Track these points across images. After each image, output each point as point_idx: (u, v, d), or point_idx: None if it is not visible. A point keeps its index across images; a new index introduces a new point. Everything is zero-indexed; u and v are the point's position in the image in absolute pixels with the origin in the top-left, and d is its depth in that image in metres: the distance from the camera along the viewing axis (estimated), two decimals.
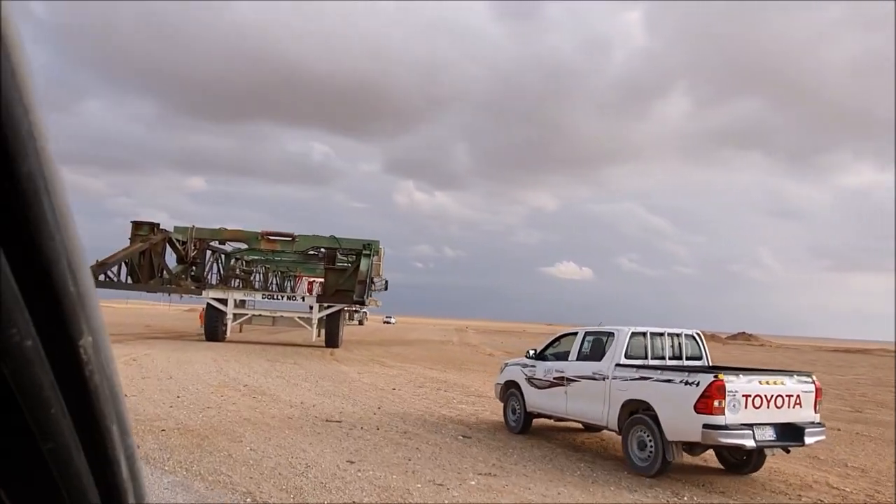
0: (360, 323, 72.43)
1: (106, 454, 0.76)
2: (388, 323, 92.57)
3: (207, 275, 35.10)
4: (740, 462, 8.97)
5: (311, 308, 33.99)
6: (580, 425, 11.22)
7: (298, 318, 34.02)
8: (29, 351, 0.64)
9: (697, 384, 7.87)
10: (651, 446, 8.38)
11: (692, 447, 8.45)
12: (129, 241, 30.24)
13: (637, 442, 8.62)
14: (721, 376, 7.79)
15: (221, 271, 37.57)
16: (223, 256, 37.75)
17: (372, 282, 31.48)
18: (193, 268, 33.62)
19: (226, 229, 33.60)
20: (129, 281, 29.49)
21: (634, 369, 8.98)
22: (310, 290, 54.91)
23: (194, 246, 32.92)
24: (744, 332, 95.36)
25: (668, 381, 8.27)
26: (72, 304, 0.67)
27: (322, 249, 34.81)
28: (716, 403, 7.70)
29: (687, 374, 8.12)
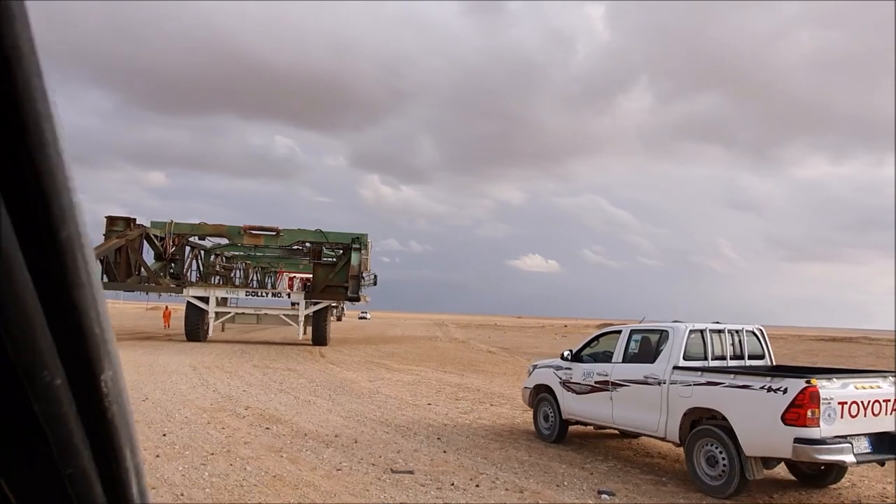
0: (339, 319, 71.00)
1: (120, 477, 0.81)
2: (364, 318, 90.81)
3: (187, 272, 33.56)
4: (818, 473, 7.96)
5: (297, 305, 32.71)
6: (616, 431, 10.21)
7: (284, 315, 32.70)
8: (58, 389, 0.70)
9: (785, 391, 6.81)
10: (724, 462, 7.32)
11: (766, 461, 7.41)
12: (103, 237, 28.59)
13: (706, 457, 7.56)
14: (814, 381, 6.73)
15: (201, 268, 35.98)
16: (203, 252, 36.17)
17: (362, 276, 30.20)
18: (172, 265, 32.06)
19: (206, 224, 32.09)
20: (105, 279, 27.83)
21: (698, 373, 7.90)
22: (290, 286, 53.40)
23: (173, 242, 31.33)
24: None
25: (746, 386, 7.20)
26: (97, 345, 0.73)
27: (307, 244, 33.48)
28: (809, 414, 6.64)
29: (770, 378, 7.05)
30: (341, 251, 32.58)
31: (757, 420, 7.05)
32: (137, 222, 29.41)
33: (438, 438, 10.15)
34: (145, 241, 29.77)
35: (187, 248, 33.62)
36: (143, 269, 29.34)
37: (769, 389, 6.95)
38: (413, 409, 12.92)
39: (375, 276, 31.92)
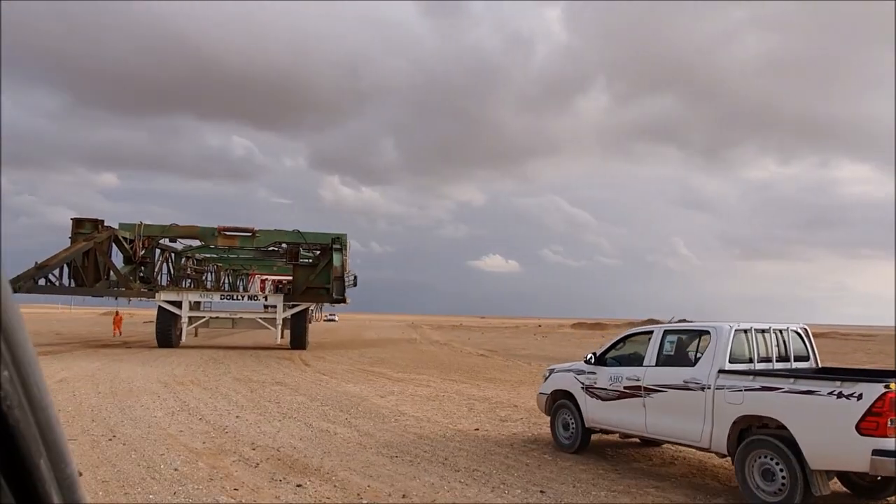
0: (309, 321, 69.28)
1: (36, 490, 0.74)
2: (332, 320, 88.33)
3: (157, 275, 32.21)
4: (874, 486, 7.30)
5: (272, 308, 31.58)
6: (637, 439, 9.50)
7: (261, 319, 31.56)
8: None
9: (859, 397, 6.11)
10: (783, 477, 6.61)
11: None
12: (69, 240, 27.18)
13: (760, 471, 6.84)
14: (893, 386, 6.05)
15: (172, 271, 34.62)
16: (173, 255, 34.81)
17: (346, 277, 29.20)
18: (142, 268, 30.70)
19: (178, 225, 30.80)
20: (73, 284, 26.44)
21: (749, 377, 7.19)
22: (262, 288, 52.09)
23: (143, 244, 29.98)
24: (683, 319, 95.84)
25: (811, 392, 6.49)
26: None
27: (284, 245, 32.38)
28: (889, 422, 5.96)
29: (839, 383, 6.36)
30: (319, 252, 31.59)
31: (825, 430, 6.35)
32: (105, 224, 28.03)
33: (542, 492, 7.38)
34: (114, 244, 28.38)
35: (157, 251, 32.34)
36: (112, 274, 27.93)
37: (840, 395, 6.25)
38: (463, 439, 10.30)
39: (356, 277, 30.99)
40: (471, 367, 23.86)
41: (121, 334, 37.76)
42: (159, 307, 29.95)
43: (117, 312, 37.38)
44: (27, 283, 22.50)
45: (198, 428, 10.67)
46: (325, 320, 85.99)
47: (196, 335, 34.21)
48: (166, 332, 29.50)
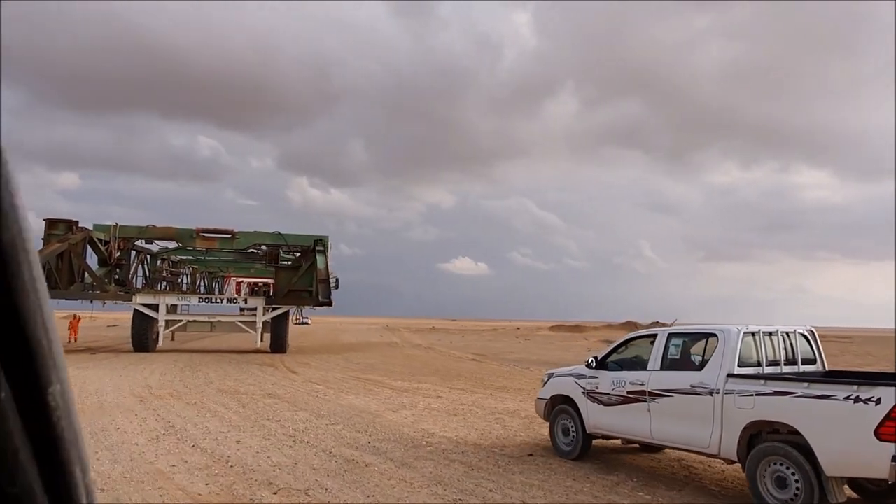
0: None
1: (70, 497, 0.78)
2: (304, 324, 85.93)
3: (132, 278, 31.52)
4: (884, 491, 7.20)
5: (251, 311, 31.05)
6: (635, 445, 9.34)
7: (240, 322, 31.01)
8: (2, 404, 0.68)
9: (878, 402, 5.98)
10: (797, 484, 6.47)
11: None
12: (41, 241, 26.40)
13: (773, 478, 6.69)
14: None
15: (147, 273, 33.90)
16: (149, 257, 34.09)
17: (330, 280, 28.74)
18: (118, 270, 29.99)
19: (155, 227, 30.14)
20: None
21: (760, 381, 7.04)
22: (238, 291, 51.30)
23: (118, 246, 29.28)
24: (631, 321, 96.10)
25: (826, 396, 6.36)
26: (43, 356, 0.71)
27: (263, 247, 31.85)
28: None
29: (856, 387, 6.22)
30: (299, 254, 31.13)
31: (842, 436, 6.21)
32: (80, 225, 27.31)
33: None
34: (88, 246, 27.65)
35: (132, 253, 31.63)
36: (87, 276, 27.21)
37: (857, 400, 6.12)
38: (525, 470, 8.54)
39: (337, 279, 30.46)
40: (470, 373, 22.61)
41: (76, 340, 34.23)
42: (135, 310, 29.26)
43: (75, 315, 35.68)
44: None
45: (194, 461, 8.62)
46: (297, 323, 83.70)
47: (173, 339, 33.56)
48: (142, 336, 28.82)
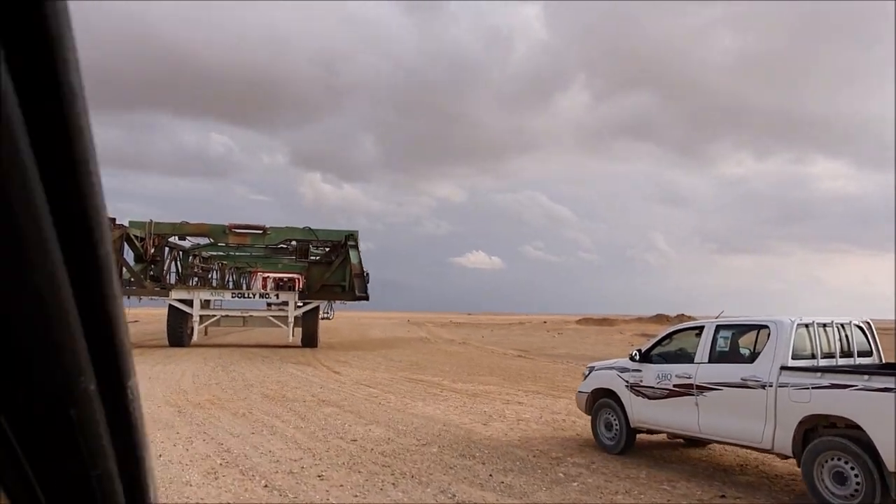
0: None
1: (140, 479, 0.86)
2: (326, 318, 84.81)
3: (166, 274, 31.86)
4: None
5: (281, 306, 31.24)
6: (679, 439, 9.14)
7: (272, 317, 31.24)
8: (91, 395, 0.74)
9: None
10: (857, 480, 6.24)
11: None
12: None
13: (831, 473, 6.47)
14: None
15: (180, 269, 34.26)
16: (181, 253, 34.46)
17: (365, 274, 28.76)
18: (152, 266, 30.34)
19: (188, 223, 30.48)
20: None
21: (817, 374, 6.81)
22: (264, 286, 51.70)
23: (153, 242, 29.64)
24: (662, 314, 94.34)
25: (888, 389, 6.12)
26: (125, 353, 0.79)
27: (293, 242, 32.04)
28: None
29: None
30: (329, 249, 31.25)
31: None
32: (117, 222, 27.68)
33: None
34: (125, 243, 28.02)
35: (166, 249, 31.97)
36: (125, 272, 27.54)
37: None
38: None
39: (368, 274, 30.42)
40: (531, 372, 20.83)
41: None
42: (170, 306, 29.67)
43: None
44: None
45: None
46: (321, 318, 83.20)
47: (206, 334, 33.98)
48: (178, 331, 29.22)
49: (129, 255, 28.78)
